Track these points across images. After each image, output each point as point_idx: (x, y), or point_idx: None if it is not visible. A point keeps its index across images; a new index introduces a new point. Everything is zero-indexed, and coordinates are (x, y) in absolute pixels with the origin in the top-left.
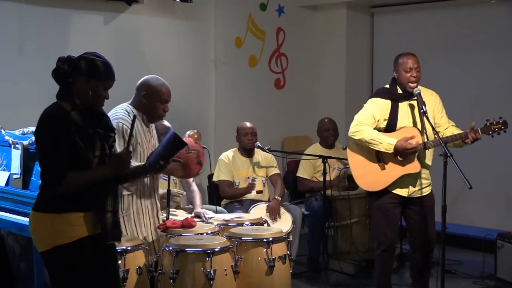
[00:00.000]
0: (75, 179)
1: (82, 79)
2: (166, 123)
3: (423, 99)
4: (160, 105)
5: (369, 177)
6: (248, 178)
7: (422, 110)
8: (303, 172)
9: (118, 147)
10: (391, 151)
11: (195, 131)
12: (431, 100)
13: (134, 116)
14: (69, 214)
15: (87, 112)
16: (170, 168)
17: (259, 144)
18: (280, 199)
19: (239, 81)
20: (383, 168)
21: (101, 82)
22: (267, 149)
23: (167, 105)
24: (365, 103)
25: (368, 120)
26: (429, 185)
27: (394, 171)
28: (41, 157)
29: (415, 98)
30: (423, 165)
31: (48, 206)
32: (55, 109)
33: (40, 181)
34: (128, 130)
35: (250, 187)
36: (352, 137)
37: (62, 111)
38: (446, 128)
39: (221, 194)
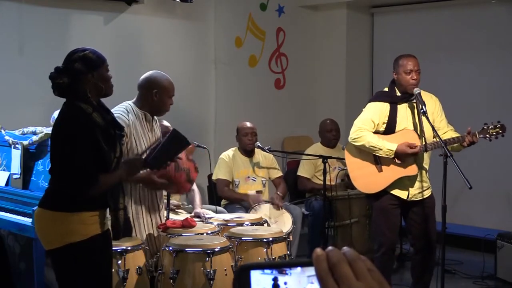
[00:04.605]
0: (105, 181)
1: (87, 77)
2: (165, 123)
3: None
4: (169, 100)
5: (366, 178)
6: (248, 177)
7: (422, 110)
8: (303, 171)
9: None
10: (392, 156)
11: (194, 143)
12: (431, 103)
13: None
14: (83, 213)
15: (104, 112)
16: (162, 185)
17: (259, 144)
18: (281, 195)
19: (239, 81)
20: (380, 170)
21: (102, 68)
22: (267, 149)
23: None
24: (364, 106)
25: (367, 125)
26: (428, 188)
27: (391, 173)
28: (63, 158)
29: (414, 99)
30: (421, 167)
31: (61, 205)
32: (77, 112)
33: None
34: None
35: (254, 204)
36: (353, 143)
37: (84, 114)
38: (445, 132)
39: (218, 193)
